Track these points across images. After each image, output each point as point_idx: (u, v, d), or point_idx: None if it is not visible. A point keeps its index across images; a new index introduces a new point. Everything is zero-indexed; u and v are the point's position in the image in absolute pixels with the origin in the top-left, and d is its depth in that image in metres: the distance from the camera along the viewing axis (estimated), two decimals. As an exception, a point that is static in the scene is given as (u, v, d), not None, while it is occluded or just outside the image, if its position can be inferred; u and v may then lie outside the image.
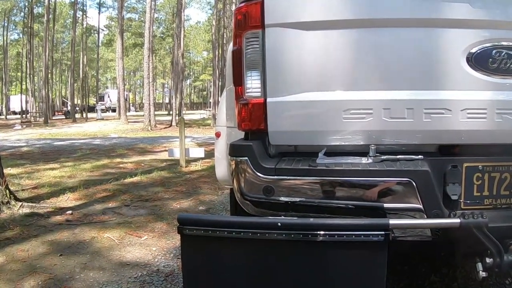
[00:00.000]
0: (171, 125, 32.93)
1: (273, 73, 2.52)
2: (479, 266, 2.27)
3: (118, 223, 5.92)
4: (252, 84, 2.55)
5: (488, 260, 2.22)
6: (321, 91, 2.49)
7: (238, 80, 2.62)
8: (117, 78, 43.82)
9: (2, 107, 61.26)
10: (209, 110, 51.57)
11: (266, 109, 2.54)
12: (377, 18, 2.43)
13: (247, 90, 2.57)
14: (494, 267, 2.22)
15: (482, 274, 2.27)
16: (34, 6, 51.48)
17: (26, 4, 52.27)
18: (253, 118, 2.57)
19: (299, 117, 2.54)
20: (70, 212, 6.43)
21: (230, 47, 2.91)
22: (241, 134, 2.78)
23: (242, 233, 2.12)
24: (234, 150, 2.55)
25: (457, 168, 2.40)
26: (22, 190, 7.96)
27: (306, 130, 2.55)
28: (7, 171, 8.57)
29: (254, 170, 2.45)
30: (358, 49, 2.48)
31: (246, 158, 2.46)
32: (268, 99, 2.53)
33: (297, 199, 2.41)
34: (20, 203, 6.51)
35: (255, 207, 2.51)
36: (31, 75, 53.12)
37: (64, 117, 52.62)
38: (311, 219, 2.20)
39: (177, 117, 28.70)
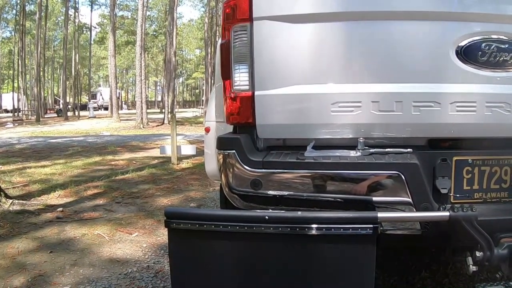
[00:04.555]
0: (163, 123, 32.81)
1: (261, 66, 2.50)
2: (469, 260, 2.28)
3: (108, 220, 5.90)
4: (240, 77, 2.53)
5: (478, 254, 2.22)
6: (309, 84, 2.48)
7: (226, 74, 2.60)
8: (110, 76, 43.69)
9: (-7, 105, 61.11)
10: (201, 108, 51.58)
11: (254, 102, 2.52)
12: (366, 11, 2.42)
13: (235, 84, 2.55)
14: (484, 260, 2.22)
15: (472, 268, 2.27)
16: (26, 4, 51.28)
17: (18, 1, 51.95)
18: (241, 112, 2.55)
19: (287, 111, 2.52)
20: (60, 209, 6.40)
21: (219, 42, 2.89)
22: (230, 129, 2.76)
23: (229, 227, 2.11)
24: (222, 143, 2.53)
25: (446, 161, 2.40)
26: (13, 187, 7.93)
27: (294, 123, 2.54)
28: (-3, 168, 8.54)
29: (242, 163, 2.43)
30: (346, 42, 2.46)
31: (234, 151, 2.45)
32: (256, 92, 2.51)
33: (285, 193, 2.40)
34: (11, 201, 6.49)
35: (243, 201, 2.49)
36: (23, 73, 52.84)
37: (56, 115, 52.26)
38: (299, 213, 2.18)
39: (169, 115, 28.55)
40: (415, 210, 2.30)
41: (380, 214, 2.08)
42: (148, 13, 51.91)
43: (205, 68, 51.30)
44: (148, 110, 37.82)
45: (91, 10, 68.40)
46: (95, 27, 69.91)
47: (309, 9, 2.45)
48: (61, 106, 52.98)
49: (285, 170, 2.40)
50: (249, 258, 2.18)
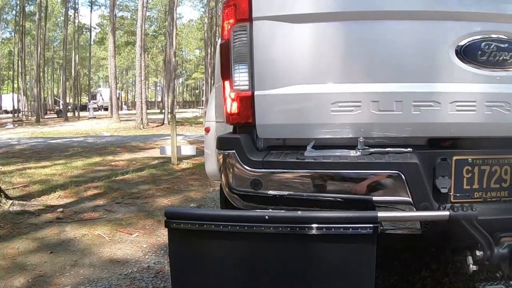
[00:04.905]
0: (163, 123, 32.81)
1: (261, 66, 2.50)
2: (470, 259, 2.28)
3: (108, 220, 5.90)
4: (240, 77, 2.53)
5: (478, 253, 2.22)
6: (309, 84, 2.48)
7: (226, 73, 2.60)
8: (109, 76, 43.64)
9: (-7, 106, 61.07)
10: (201, 108, 51.58)
11: (254, 102, 2.52)
12: (366, 10, 2.42)
13: (235, 83, 2.55)
14: (484, 260, 2.22)
15: (473, 267, 2.27)
16: (26, 4, 51.11)
17: (18, 2, 51.89)
18: (241, 112, 2.55)
19: (287, 110, 2.52)
20: (61, 209, 6.39)
21: (219, 42, 2.89)
22: (230, 129, 2.76)
23: (229, 227, 2.11)
24: (222, 143, 2.53)
25: (446, 161, 2.40)
26: (13, 188, 7.92)
27: (294, 123, 2.54)
28: (-3, 169, 8.53)
29: (242, 163, 2.43)
30: (346, 42, 2.46)
31: (234, 151, 2.45)
32: (256, 92, 2.52)
33: (285, 193, 2.40)
34: (11, 201, 6.49)
35: (243, 201, 2.49)
36: (23, 74, 52.69)
37: (56, 116, 52.17)
38: (299, 212, 2.19)
39: (169, 115, 28.56)
40: (415, 210, 2.30)
41: (380, 214, 2.08)
42: (148, 13, 51.84)
43: (205, 68, 51.33)
44: (148, 111, 37.83)
45: (91, 11, 68.96)
46: (94, 28, 69.89)
47: (309, 9, 2.45)
48: (61, 106, 52.91)
49: (285, 170, 2.40)
50: (249, 258, 2.18)
